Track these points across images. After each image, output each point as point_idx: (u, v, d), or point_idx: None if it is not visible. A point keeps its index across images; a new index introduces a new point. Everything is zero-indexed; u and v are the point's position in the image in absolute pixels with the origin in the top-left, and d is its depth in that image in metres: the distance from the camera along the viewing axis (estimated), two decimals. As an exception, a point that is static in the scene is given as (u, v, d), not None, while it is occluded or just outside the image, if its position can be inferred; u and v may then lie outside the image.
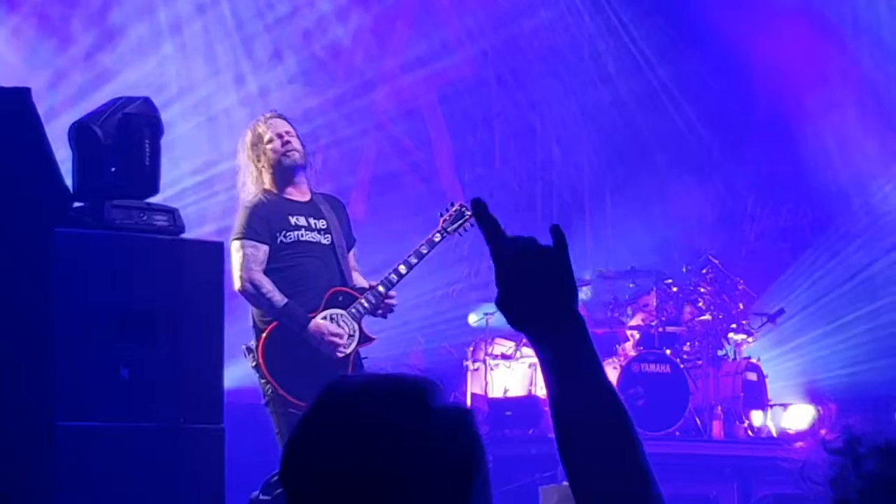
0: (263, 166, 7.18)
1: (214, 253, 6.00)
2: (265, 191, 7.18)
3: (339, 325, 7.06)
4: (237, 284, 6.96)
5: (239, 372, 6.83)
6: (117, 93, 6.94)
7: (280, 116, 7.37)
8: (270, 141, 7.15)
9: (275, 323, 6.97)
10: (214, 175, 11.16)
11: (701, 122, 13.92)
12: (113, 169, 5.85)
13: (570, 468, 1.93)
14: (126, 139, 5.87)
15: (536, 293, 1.96)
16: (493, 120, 14.04)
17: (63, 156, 5.81)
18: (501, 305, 1.98)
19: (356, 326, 7.12)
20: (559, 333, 1.94)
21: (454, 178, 13.82)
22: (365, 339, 7.17)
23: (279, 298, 6.93)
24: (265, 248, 7.03)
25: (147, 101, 6.08)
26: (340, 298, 7.13)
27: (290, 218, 7.11)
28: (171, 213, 5.96)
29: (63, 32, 11.51)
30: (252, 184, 7.21)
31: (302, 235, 7.10)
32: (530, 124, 14.18)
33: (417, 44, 13.59)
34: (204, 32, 12.38)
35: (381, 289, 7.18)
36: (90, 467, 5.43)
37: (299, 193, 7.24)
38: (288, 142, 7.17)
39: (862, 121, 13.31)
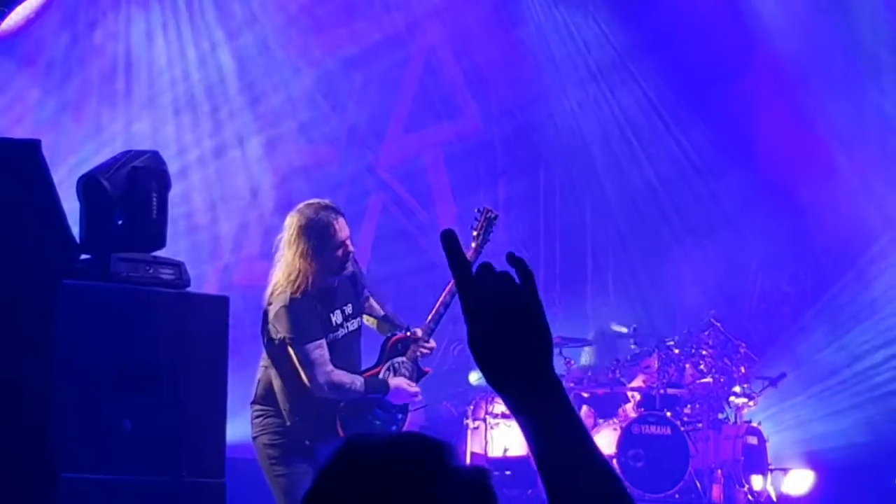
0: (315, 262, 6.65)
1: (219, 307, 6.01)
2: (305, 291, 6.67)
3: (406, 371, 7.12)
4: (313, 386, 6.63)
5: (241, 427, 6.80)
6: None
7: (343, 214, 6.84)
8: (339, 247, 6.69)
9: None
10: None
11: (703, 185, 13.95)
12: (120, 222, 5.87)
13: None
14: (134, 192, 5.89)
15: (512, 344, 1.92)
16: (497, 179, 14.08)
17: (70, 207, 5.82)
18: (478, 360, 1.95)
19: (415, 368, 7.20)
20: (538, 397, 1.90)
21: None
22: (420, 374, 7.25)
23: (359, 385, 6.79)
24: (323, 342, 6.74)
25: (155, 155, 6.11)
26: (400, 346, 7.17)
27: (331, 317, 6.81)
28: (178, 266, 5.97)
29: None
30: (297, 272, 6.66)
31: (339, 334, 6.84)
32: (534, 184, 14.21)
33: (422, 102, 13.66)
34: (209, 92, 12.54)
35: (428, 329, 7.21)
36: (92, 520, 5.42)
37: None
38: (350, 251, 6.78)
39: (864, 186, 13.35)
